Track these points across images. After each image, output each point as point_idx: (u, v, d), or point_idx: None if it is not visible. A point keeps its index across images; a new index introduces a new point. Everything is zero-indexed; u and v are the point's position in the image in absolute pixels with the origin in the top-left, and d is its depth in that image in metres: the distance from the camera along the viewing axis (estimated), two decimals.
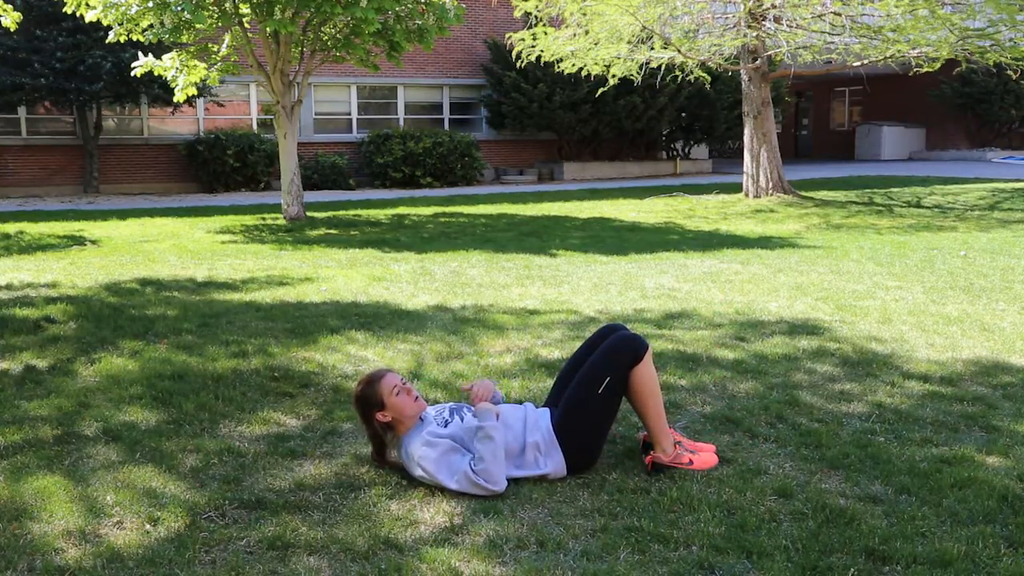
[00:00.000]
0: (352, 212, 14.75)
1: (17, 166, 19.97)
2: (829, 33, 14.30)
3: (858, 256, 9.01)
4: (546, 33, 14.79)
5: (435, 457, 3.29)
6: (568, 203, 15.68)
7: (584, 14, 14.23)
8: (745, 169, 15.93)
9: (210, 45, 13.30)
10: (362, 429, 3.61)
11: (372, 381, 3.49)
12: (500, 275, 8.04)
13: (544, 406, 3.66)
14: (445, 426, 3.41)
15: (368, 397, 3.47)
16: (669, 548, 2.85)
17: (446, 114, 23.49)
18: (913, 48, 13.49)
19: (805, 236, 10.91)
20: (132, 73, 13.20)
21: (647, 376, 3.48)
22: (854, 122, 31.30)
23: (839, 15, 13.63)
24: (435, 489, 3.30)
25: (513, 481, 3.35)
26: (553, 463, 3.38)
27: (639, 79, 15.85)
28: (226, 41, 13.10)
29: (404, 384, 3.50)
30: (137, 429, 3.96)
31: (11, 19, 10.62)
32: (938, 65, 13.81)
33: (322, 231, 11.92)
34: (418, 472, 3.33)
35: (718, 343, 5.39)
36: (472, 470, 3.24)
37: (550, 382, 4.39)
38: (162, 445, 3.76)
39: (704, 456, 3.53)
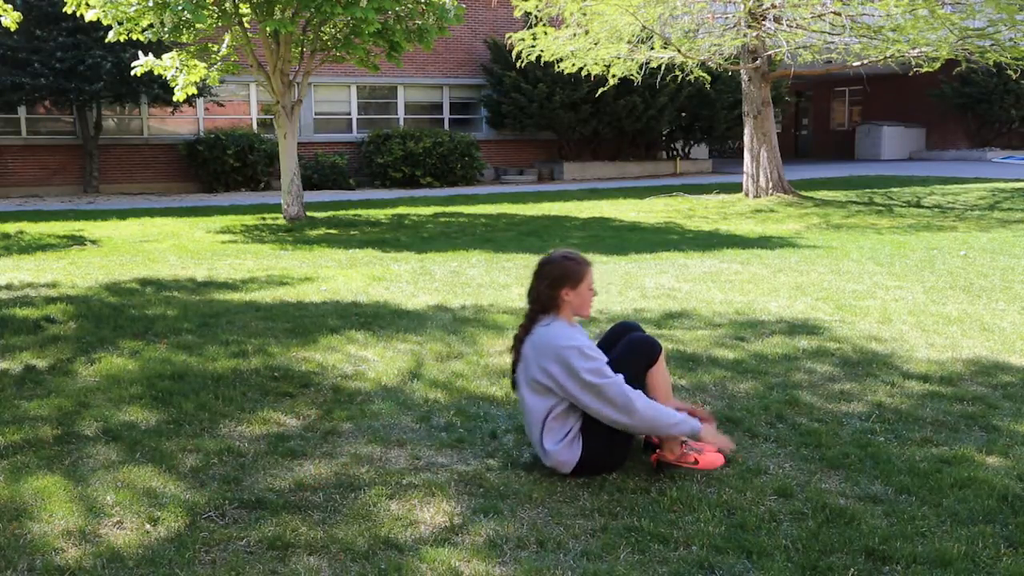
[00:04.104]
0: (352, 212, 14.75)
1: (17, 166, 19.97)
2: (829, 33, 14.31)
3: (858, 256, 9.01)
4: (546, 33, 14.79)
5: (592, 354, 3.29)
6: (568, 203, 15.68)
7: (584, 14, 14.23)
8: (745, 169, 15.93)
9: (210, 45, 13.30)
10: (526, 294, 3.52)
11: (584, 262, 3.47)
12: (500, 275, 8.04)
13: None
14: None
15: (573, 271, 3.41)
16: (669, 548, 2.85)
17: (446, 114, 23.48)
18: (913, 48, 13.49)
19: (805, 236, 10.90)
20: (132, 73, 13.19)
21: (661, 378, 3.52)
22: (854, 122, 31.30)
23: (839, 15, 13.64)
24: (435, 489, 3.30)
25: (513, 480, 3.35)
26: (571, 454, 3.38)
27: (639, 79, 15.85)
28: (226, 41, 13.10)
29: (594, 288, 3.52)
30: (137, 429, 3.96)
31: (11, 19, 10.61)
32: (938, 65, 13.81)
33: (322, 231, 11.92)
34: (550, 360, 3.30)
35: (718, 343, 5.39)
36: (616, 383, 3.26)
37: None
38: (162, 445, 3.76)
39: (709, 456, 3.52)
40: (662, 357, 3.51)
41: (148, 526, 3.03)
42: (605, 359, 3.36)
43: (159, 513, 3.10)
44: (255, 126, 21.68)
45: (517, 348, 3.51)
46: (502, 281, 7.70)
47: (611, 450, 3.42)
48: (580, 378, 3.27)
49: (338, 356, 5.17)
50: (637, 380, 3.45)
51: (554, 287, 3.41)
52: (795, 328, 5.75)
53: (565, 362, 3.29)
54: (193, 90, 13.59)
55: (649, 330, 5.66)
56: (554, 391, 3.35)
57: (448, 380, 4.64)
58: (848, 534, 2.91)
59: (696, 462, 3.46)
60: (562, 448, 3.38)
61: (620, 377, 3.31)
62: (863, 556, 2.78)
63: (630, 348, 3.51)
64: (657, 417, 3.31)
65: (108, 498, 3.23)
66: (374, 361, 5.07)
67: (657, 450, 3.50)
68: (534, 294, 3.48)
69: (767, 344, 5.34)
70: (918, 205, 14.26)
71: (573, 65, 15.18)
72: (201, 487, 3.34)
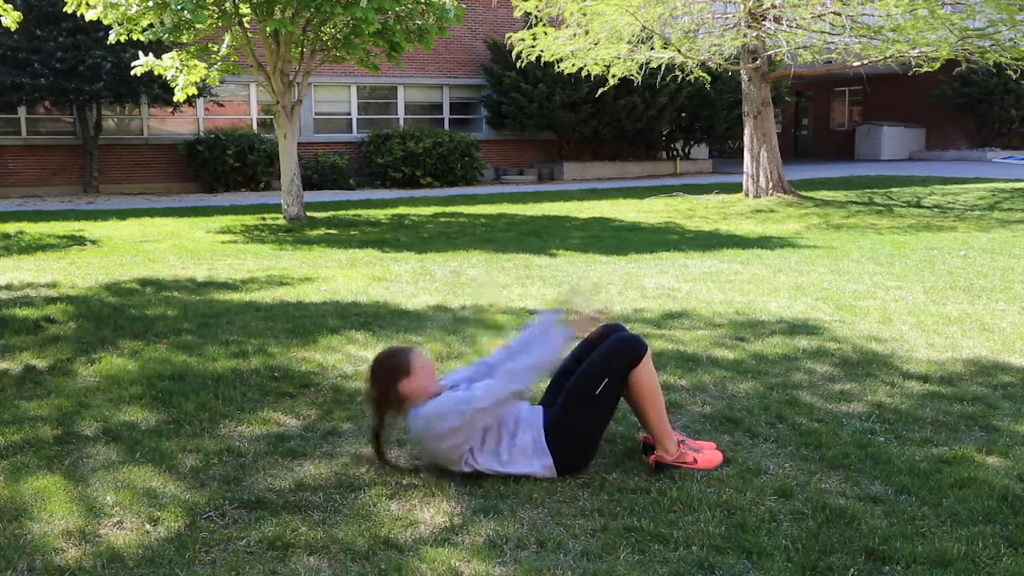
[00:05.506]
0: (352, 212, 14.75)
1: (17, 166, 19.97)
2: (829, 33, 14.31)
3: (858, 256, 9.01)
4: (546, 33, 14.79)
5: (444, 411, 3.31)
6: (568, 203, 15.68)
7: (584, 14, 14.23)
8: (745, 169, 15.93)
9: (210, 45, 13.30)
10: (368, 404, 3.53)
11: (404, 350, 3.51)
12: (500, 275, 8.04)
13: (538, 404, 3.65)
14: None
15: (399, 364, 3.43)
16: (669, 548, 2.85)
17: (446, 114, 23.49)
18: (913, 48, 13.49)
19: (805, 236, 10.91)
20: (132, 73, 13.19)
21: (647, 378, 3.46)
22: (854, 122, 31.29)
23: (839, 15, 13.63)
24: (435, 490, 3.30)
25: (512, 480, 3.35)
26: (541, 463, 3.37)
27: (639, 79, 15.85)
28: (226, 41, 13.10)
29: (430, 362, 3.52)
30: (137, 429, 3.96)
31: (11, 19, 10.61)
32: (938, 65, 13.81)
33: (322, 231, 11.93)
34: (428, 434, 3.33)
35: (718, 343, 5.39)
36: (475, 397, 3.30)
37: (549, 381, 4.38)
38: (162, 445, 3.76)
39: (708, 455, 3.52)
40: (648, 356, 3.47)
41: (148, 526, 3.03)
42: (451, 397, 3.34)
43: (159, 513, 3.10)
44: (255, 126, 21.68)
45: (376, 443, 3.53)
46: (502, 281, 7.70)
47: (581, 437, 3.41)
48: (459, 426, 3.29)
49: (338, 356, 5.17)
50: (618, 381, 3.42)
51: (390, 385, 3.41)
52: (795, 328, 5.75)
53: (441, 434, 3.31)
54: (193, 90, 13.58)
55: (649, 330, 5.68)
56: (463, 443, 3.35)
57: None
58: (848, 534, 2.91)
59: (695, 462, 3.46)
60: (533, 463, 3.37)
61: (471, 393, 3.32)
62: (863, 556, 2.78)
63: (611, 348, 3.48)
64: (535, 364, 3.39)
65: (108, 498, 3.23)
66: None
67: (655, 451, 3.50)
68: (376, 401, 3.47)
69: (767, 344, 5.34)
70: (918, 205, 14.26)
71: (573, 65, 15.17)
72: (201, 487, 3.34)
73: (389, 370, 3.44)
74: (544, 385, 3.76)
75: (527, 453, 3.37)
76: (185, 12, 10.89)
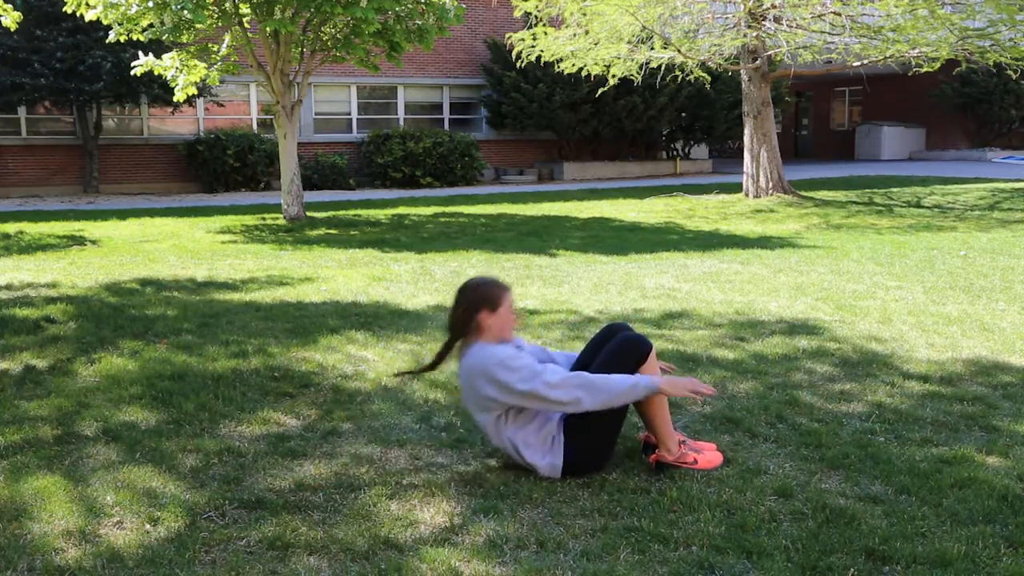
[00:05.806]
0: (352, 212, 14.75)
1: (17, 166, 19.97)
2: (829, 33, 14.31)
3: (858, 256, 9.01)
4: (546, 33, 14.79)
5: (515, 365, 3.29)
6: (568, 203, 15.68)
7: (584, 14, 14.23)
8: (745, 169, 15.93)
9: (210, 45, 13.30)
10: (444, 324, 3.59)
11: (499, 286, 3.50)
12: (500, 275, 8.05)
13: None
14: None
15: (490, 295, 3.44)
16: (669, 548, 2.85)
17: (446, 114, 23.48)
18: (913, 48, 13.49)
19: (805, 236, 10.91)
20: (132, 73, 13.20)
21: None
22: (854, 122, 31.28)
23: (839, 15, 13.64)
24: (435, 489, 3.30)
25: (513, 479, 3.35)
26: (550, 462, 3.38)
27: (639, 79, 15.85)
28: (226, 41, 13.10)
29: (516, 311, 3.53)
30: (137, 429, 3.96)
31: (11, 19, 10.61)
32: (938, 65, 13.82)
33: (322, 231, 11.93)
34: (485, 374, 3.33)
35: (718, 343, 5.39)
36: (547, 381, 3.25)
37: None
38: (162, 445, 3.76)
39: (709, 455, 3.52)
40: (652, 355, 3.50)
41: (148, 526, 3.03)
42: (530, 361, 3.35)
43: (159, 513, 3.10)
44: (255, 126, 21.68)
45: (432, 365, 3.57)
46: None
47: (595, 446, 3.42)
48: (515, 390, 3.29)
49: (338, 356, 5.17)
50: None
51: (471, 311, 3.43)
52: (795, 328, 5.75)
53: (495, 380, 3.31)
54: (193, 90, 13.59)
55: (649, 330, 5.68)
56: (499, 403, 3.37)
57: (448, 380, 4.63)
58: (848, 534, 2.91)
59: (695, 462, 3.46)
60: (545, 456, 3.38)
61: (544, 372, 3.30)
62: (863, 556, 2.78)
63: (619, 347, 3.50)
64: (609, 389, 3.30)
65: (108, 498, 3.23)
66: (374, 361, 5.07)
67: (656, 450, 3.51)
68: (452, 320, 3.49)
69: (767, 344, 5.34)
70: (918, 205, 14.26)
71: (573, 65, 15.17)
72: (201, 487, 3.34)
73: (478, 297, 3.44)
74: None
75: (546, 444, 3.38)
76: (185, 12, 10.89)
